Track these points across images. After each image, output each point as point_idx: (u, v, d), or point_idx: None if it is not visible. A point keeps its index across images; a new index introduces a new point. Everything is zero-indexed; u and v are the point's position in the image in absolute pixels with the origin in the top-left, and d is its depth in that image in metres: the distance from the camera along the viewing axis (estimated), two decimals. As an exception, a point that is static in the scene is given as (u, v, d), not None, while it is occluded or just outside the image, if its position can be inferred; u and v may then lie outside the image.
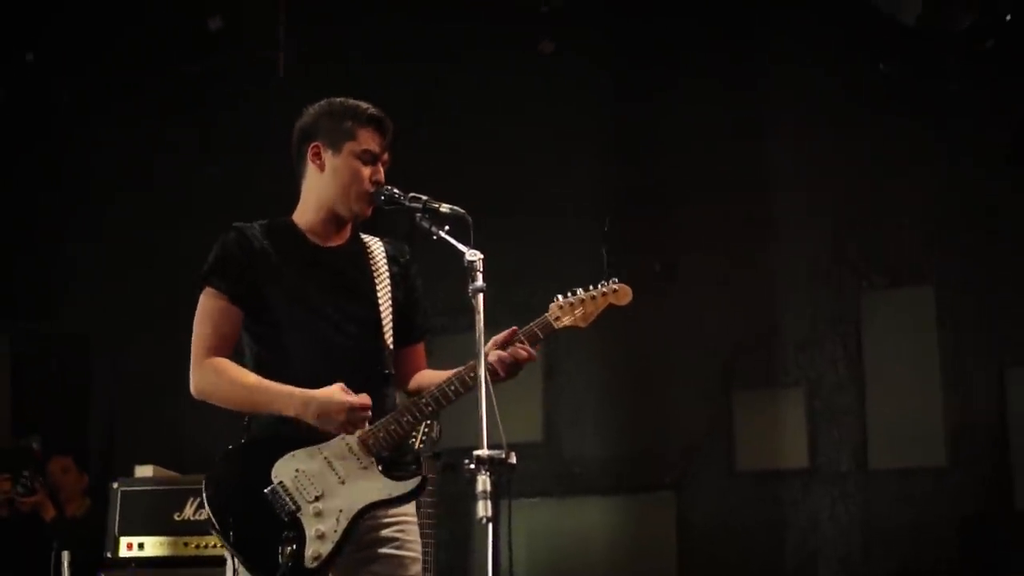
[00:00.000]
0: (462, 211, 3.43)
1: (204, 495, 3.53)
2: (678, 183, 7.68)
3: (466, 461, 2.95)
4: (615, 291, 3.76)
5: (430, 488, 5.52)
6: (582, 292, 3.74)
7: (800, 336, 7.31)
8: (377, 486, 3.55)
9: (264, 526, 3.46)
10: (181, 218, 8.11)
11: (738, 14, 7.52)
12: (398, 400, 3.77)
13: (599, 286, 3.75)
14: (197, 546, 5.78)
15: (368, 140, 3.72)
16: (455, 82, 8.05)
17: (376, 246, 3.86)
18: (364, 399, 3.50)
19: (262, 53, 8.16)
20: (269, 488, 3.49)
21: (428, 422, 5.25)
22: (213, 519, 3.49)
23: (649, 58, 7.73)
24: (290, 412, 3.50)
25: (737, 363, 7.42)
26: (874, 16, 6.76)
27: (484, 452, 2.94)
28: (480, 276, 3.23)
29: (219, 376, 3.58)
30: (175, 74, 8.29)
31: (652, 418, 7.52)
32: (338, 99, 3.80)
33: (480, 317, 3.17)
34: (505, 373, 3.59)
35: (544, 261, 7.66)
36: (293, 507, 3.48)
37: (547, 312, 3.71)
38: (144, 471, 6.29)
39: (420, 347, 3.93)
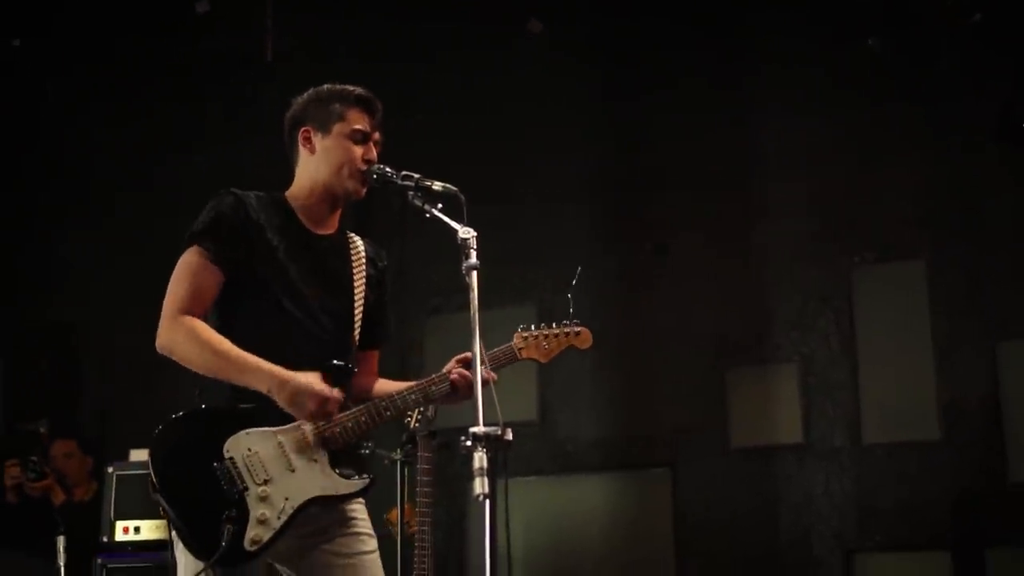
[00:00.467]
0: (455, 188, 3.43)
1: (149, 457, 3.49)
2: (668, 165, 7.68)
3: (462, 438, 2.95)
4: (577, 334, 3.86)
5: (426, 467, 5.57)
6: (546, 328, 3.83)
7: (792, 312, 7.33)
8: (326, 482, 3.53)
9: (207, 498, 3.43)
10: (171, 204, 8.08)
11: (727, -1, 7.54)
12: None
13: (562, 325, 3.84)
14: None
15: (357, 119, 3.72)
16: (447, 69, 8.02)
17: (359, 244, 3.87)
18: (338, 394, 3.50)
19: (250, 39, 8.14)
20: (219, 463, 3.46)
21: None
22: (156, 482, 3.45)
23: (639, 45, 7.72)
24: (262, 387, 3.47)
25: (730, 340, 7.43)
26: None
27: (480, 429, 2.95)
28: (474, 254, 3.22)
29: (192, 336, 3.52)
30: (163, 62, 8.26)
31: (647, 396, 7.54)
32: (325, 85, 3.81)
33: (474, 295, 3.16)
34: (464, 392, 3.64)
35: (536, 246, 7.68)
36: (241, 486, 3.45)
37: (512, 342, 3.79)
38: (139, 455, 6.28)
39: (376, 353, 3.93)
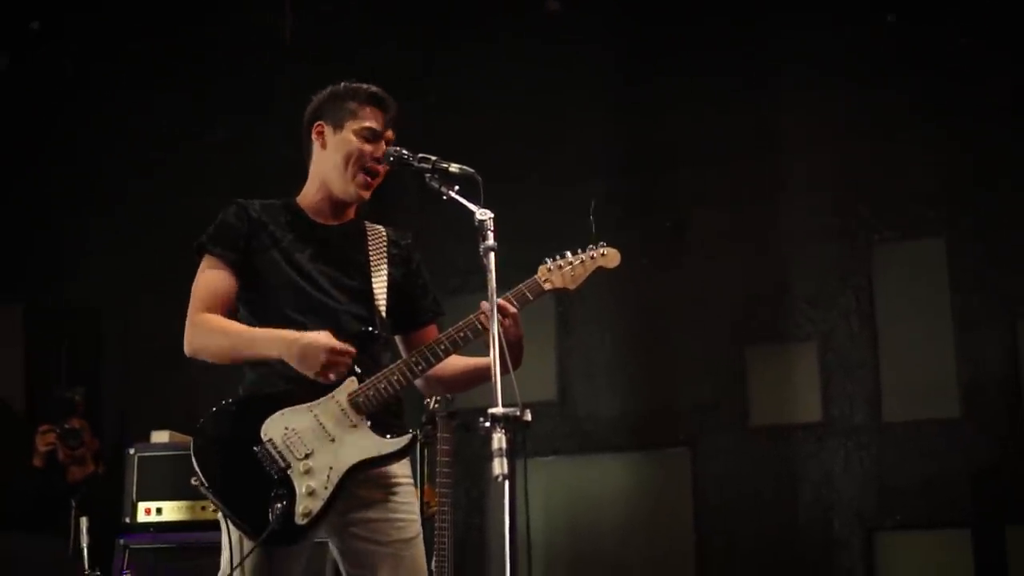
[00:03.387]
0: (471, 170, 3.46)
1: (192, 452, 3.55)
2: (686, 141, 7.65)
3: (481, 419, 2.97)
4: (603, 254, 3.81)
5: (446, 448, 5.58)
6: (571, 255, 3.77)
7: (812, 290, 7.31)
8: (367, 444, 3.57)
9: (253, 484, 3.48)
10: (188, 186, 8.11)
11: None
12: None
13: (587, 250, 3.79)
14: (215, 510, 5.80)
15: (369, 118, 3.78)
16: (462, 48, 8.00)
17: (379, 229, 3.92)
18: (347, 347, 3.52)
19: (268, 19, 8.13)
20: (259, 446, 3.51)
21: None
22: (201, 476, 3.51)
23: (654, 22, 7.68)
24: (273, 353, 3.54)
25: (749, 318, 7.41)
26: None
27: (499, 410, 2.96)
28: (491, 235, 3.26)
29: (205, 328, 3.64)
30: (181, 41, 8.27)
31: (666, 375, 7.53)
32: (342, 83, 3.87)
33: (492, 276, 3.20)
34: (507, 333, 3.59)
35: (553, 222, 7.65)
36: (283, 464, 3.50)
37: (536, 274, 3.74)
38: (160, 436, 6.32)
39: (431, 330, 3.93)
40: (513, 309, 3.62)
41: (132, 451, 6.18)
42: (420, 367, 3.64)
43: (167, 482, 6.01)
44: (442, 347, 3.64)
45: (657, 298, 7.44)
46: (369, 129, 3.76)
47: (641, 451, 7.60)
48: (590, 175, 7.77)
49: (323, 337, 3.51)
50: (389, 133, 3.80)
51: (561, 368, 7.71)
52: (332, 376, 3.52)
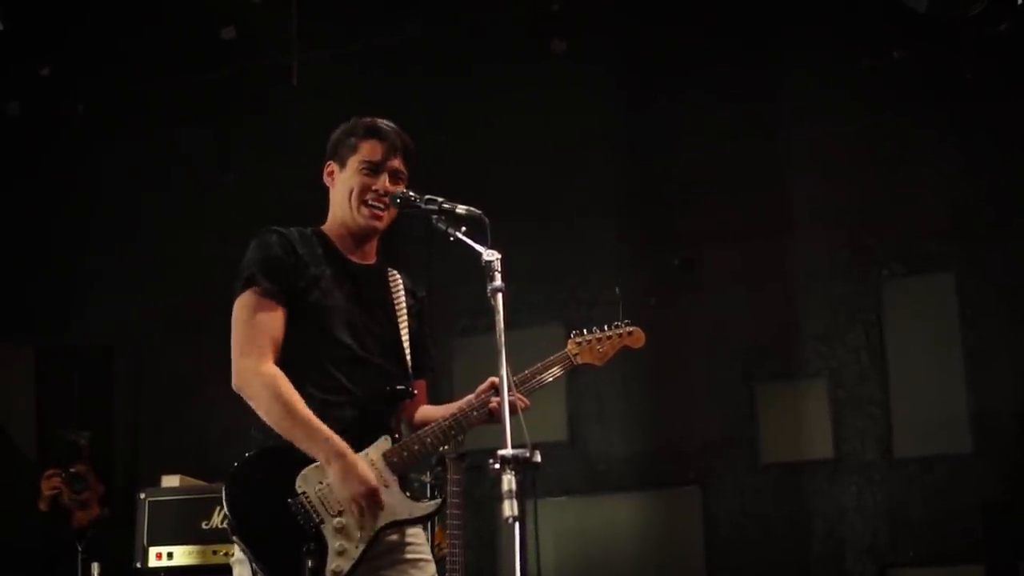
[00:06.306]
0: (478, 212, 3.44)
1: (224, 499, 3.53)
2: (694, 180, 7.68)
3: (491, 461, 2.96)
4: (630, 333, 3.93)
5: (456, 490, 5.57)
6: (598, 331, 3.88)
7: (821, 327, 7.31)
8: (399, 505, 3.59)
9: (285, 535, 3.48)
10: (199, 227, 8.14)
11: (750, 7, 7.51)
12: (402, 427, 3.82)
13: (614, 327, 3.90)
14: (226, 554, 5.76)
15: (369, 151, 3.76)
16: (472, 88, 8.03)
17: (397, 276, 3.92)
18: (381, 502, 3.51)
19: (276, 61, 8.17)
20: (294, 499, 3.51)
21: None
22: (234, 523, 3.50)
23: (663, 59, 7.71)
24: (320, 458, 3.50)
25: (759, 355, 7.41)
26: (885, 4, 6.75)
27: (508, 451, 2.95)
28: (498, 276, 3.24)
29: (271, 389, 3.54)
30: (190, 84, 8.31)
31: (676, 414, 7.52)
32: (352, 118, 3.87)
33: (500, 316, 3.18)
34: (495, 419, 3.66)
35: (563, 263, 7.67)
36: (317, 520, 3.50)
37: (566, 348, 3.84)
38: (171, 480, 6.30)
39: (423, 382, 3.96)
40: (526, 403, 3.66)
41: (143, 495, 6.17)
42: (453, 432, 3.68)
43: (178, 526, 5.99)
44: (475, 413, 3.68)
45: (666, 336, 7.41)
46: (367, 162, 3.74)
47: (652, 490, 7.59)
48: (598, 214, 7.79)
49: (370, 474, 3.49)
50: (395, 162, 3.76)
51: (571, 408, 7.71)
52: (354, 511, 3.49)
